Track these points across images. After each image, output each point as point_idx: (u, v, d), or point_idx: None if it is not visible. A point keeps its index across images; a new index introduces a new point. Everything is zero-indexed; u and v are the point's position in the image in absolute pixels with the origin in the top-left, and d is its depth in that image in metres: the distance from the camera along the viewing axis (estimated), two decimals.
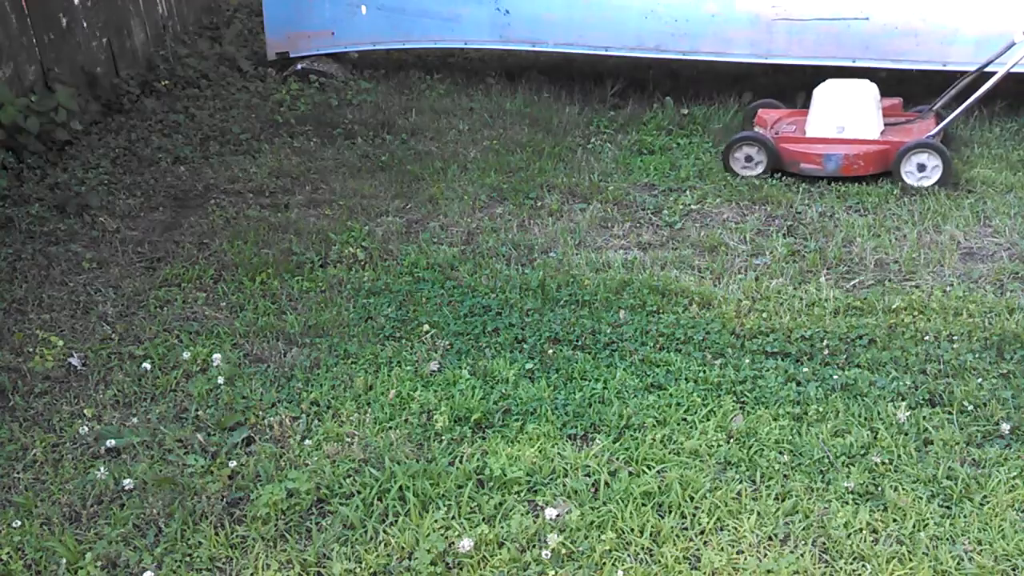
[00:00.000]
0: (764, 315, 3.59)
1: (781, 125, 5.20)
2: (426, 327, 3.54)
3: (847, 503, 2.66)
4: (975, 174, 4.81)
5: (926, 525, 2.58)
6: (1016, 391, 3.11)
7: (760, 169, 4.93)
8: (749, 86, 6.14)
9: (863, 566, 2.45)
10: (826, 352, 3.36)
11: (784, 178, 4.88)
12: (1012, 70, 4.77)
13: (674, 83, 6.36)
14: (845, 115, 4.88)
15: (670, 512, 2.64)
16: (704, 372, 3.25)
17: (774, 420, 3.00)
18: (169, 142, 5.48)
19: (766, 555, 2.49)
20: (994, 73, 4.77)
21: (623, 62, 6.28)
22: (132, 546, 2.56)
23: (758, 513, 2.62)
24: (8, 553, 2.53)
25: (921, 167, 4.70)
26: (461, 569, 2.46)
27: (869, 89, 4.93)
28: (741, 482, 2.74)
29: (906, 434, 2.93)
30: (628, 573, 2.44)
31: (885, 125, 5.01)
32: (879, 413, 3.02)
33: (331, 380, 3.25)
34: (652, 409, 3.06)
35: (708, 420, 3.00)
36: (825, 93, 4.95)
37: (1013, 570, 2.44)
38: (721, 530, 2.59)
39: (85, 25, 5.82)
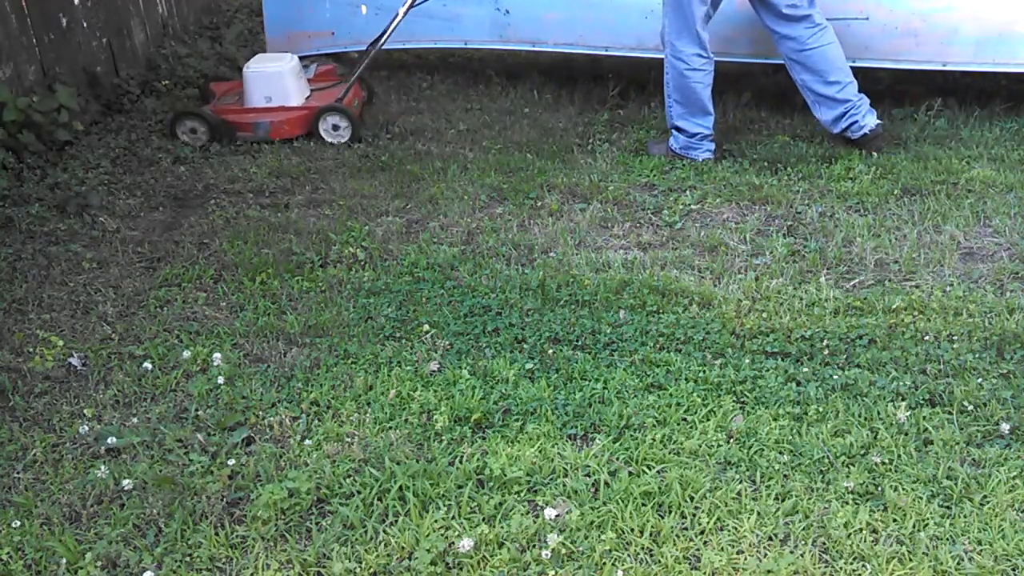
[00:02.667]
0: (764, 315, 3.59)
1: (227, 97, 5.81)
2: (426, 327, 3.54)
3: (847, 503, 2.66)
4: (975, 174, 4.81)
5: (926, 525, 2.58)
6: (1016, 391, 3.11)
7: (203, 140, 5.51)
8: (749, 86, 6.14)
9: (863, 566, 2.45)
10: (826, 352, 3.36)
11: (784, 178, 4.88)
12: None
13: None
14: (269, 87, 5.54)
15: (670, 512, 2.64)
16: (704, 372, 3.25)
17: (774, 420, 3.00)
18: (169, 142, 5.48)
19: (766, 555, 2.50)
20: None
21: (623, 62, 6.28)
22: (132, 546, 2.56)
23: (758, 513, 2.63)
24: (8, 553, 2.53)
25: (335, 127, 5.50)
26: (461, 569, 2.46)
27: (289, 62, 5.63)
28: (741, 482, 2.74)
29: (906, 434, 2.93)
30: (628, 573, 2.44)
31: (314, 91, 5.77)
32: (879, 413, 3.02)
33: (331, 380, 3.25)
34: (652, 409, 3.06)
35: (708, 420, 3.00)
36: (252, 70, 5.58)
37: (1013, 570, 2.44)
38: (721, 530, 2.59)
39: (85, 25, 5.82)
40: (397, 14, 5.70)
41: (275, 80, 5.53)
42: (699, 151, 5.17)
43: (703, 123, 5.12)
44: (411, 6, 5.67)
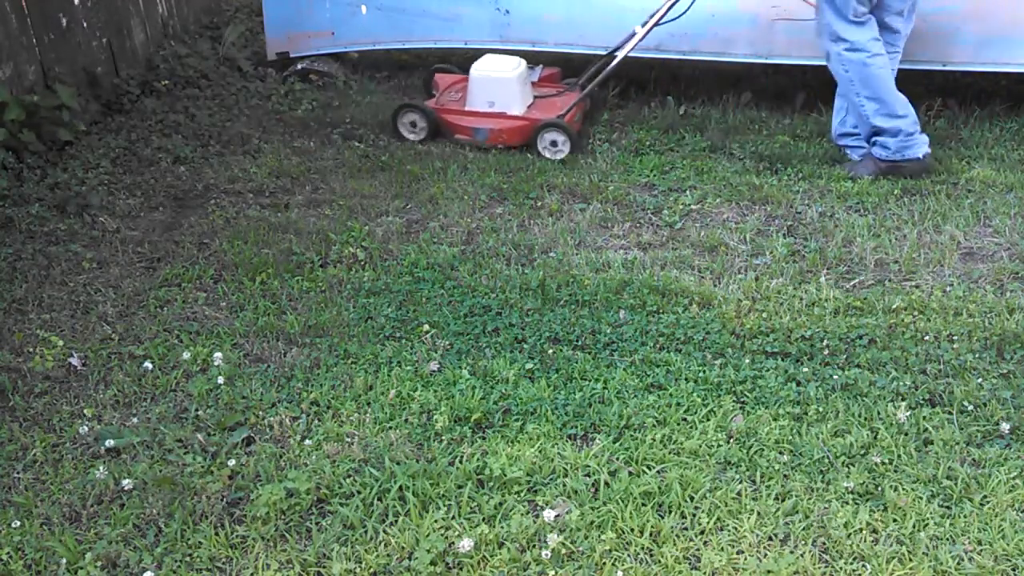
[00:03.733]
0: (764, 315, 3.59)
1: (450, 92, 5.66)
2: (426, 327, 3.54)
3: (847, 503, 2.66)
4: (975, 174, 4.81)
5: (926, 525, 2.58)
6: (1016, 391, 3.11)
7: (423, 135, 5.41)
8: (749, 86, 6.14)
9: (863, 566, 2.45)
10: (826, 352, 3.36)
11: (784, 178, 4.88)
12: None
13: (674, 83, 6.36)
14: (493, 92, 5.33)
15: (670, 512, 2.64)
16: (704, 372, 3.25)
17: (774, 420, 3.00)
18: (169, 142, 5.48)
19: (766, 555, 2.50)
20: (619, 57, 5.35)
21: (623, 62, 6.28)
22: (132, 546, 2.56)
23: (758, 513, 2.63)
24: (8, 553, 2.54)
25: (554, 143, 5.22)
26: (461, 569, 2.46)
27: (518, 66, 5.38)
28: (741, 482, 2.74)
29: (906, 434, 2.93)
30: (628, 573, 2.44)
31: (537, 98, 5.54)
32: (879, 413, 3.02)
33: (331, 380, 3.25)
34: (652, 409, 3.06)
35: (708, 420, 3.01)
36: (478, 70, 5.37)
37: (1013, 570, 2.44)
38: (721, 530, 2.59)
39: (85, 25, 5.82)
40: (635, 32, 5.30)
41: (501, 86, 5.32)
42: (916, 147, 4.72)
43: (905, 111, 4.69)
44: (655, 24, 5.25)
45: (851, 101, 4.83)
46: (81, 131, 5.35)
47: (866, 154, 4.90)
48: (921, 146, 4.76)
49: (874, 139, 4.82)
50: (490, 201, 4.76)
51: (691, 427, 2.98)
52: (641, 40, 5.28)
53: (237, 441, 2.95)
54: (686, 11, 5.26)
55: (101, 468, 2.81)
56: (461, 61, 6.11)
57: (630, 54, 5.95)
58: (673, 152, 5.33)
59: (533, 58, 6.07)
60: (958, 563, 2.45)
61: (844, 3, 4.65)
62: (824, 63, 5.20)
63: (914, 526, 2.57)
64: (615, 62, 5.35)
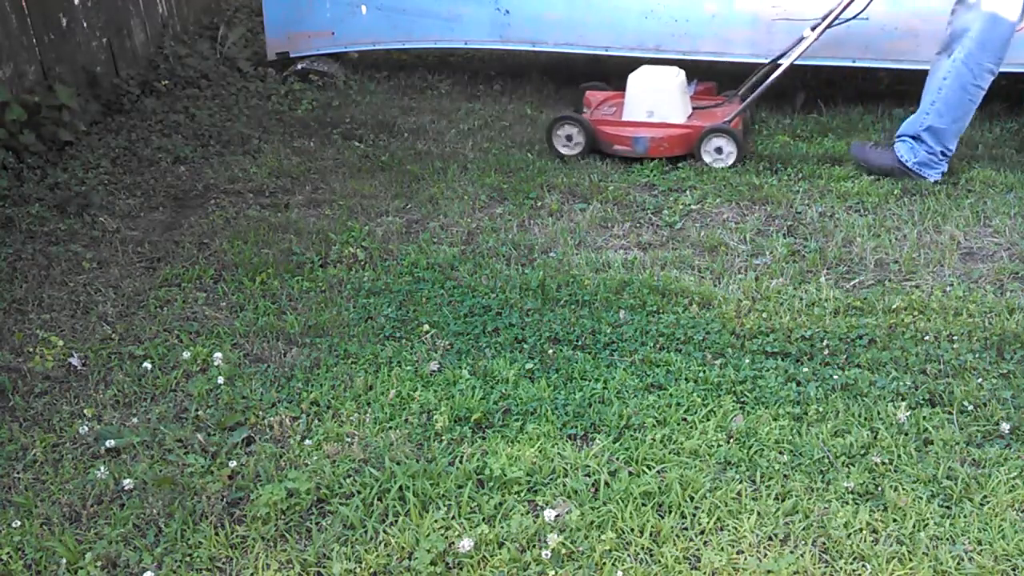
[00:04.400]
0: (764, 315, 3.59)
1: (603, 107, 5.51)
2: (426, 327, 3.54)
3: (847, 503, 2.66)
4: (975, 174, 4.81)
5: (926, 525, 2.58)
6: (1016, 391, 3.11)
7: (580, 149, 5.23)
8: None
9: (863, 566, 2.45)
10: (826, 352, 3.36)
11: (784, 178, 4.88)
12: (800, 62, 5.16)
13: None
14: (653, 100, 5.17)
15: (670, 512, 2.64)
16: (704, 372, 3.25)
17: (774, 420, 3.00)
18: (169, 142, 5.48)
19: (766, 555, 2.50)
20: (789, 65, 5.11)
21: (623, 62, 6.28)
22: (132, 546, 2.56)
23: (758, 513, 2.63)
24: (8, 553, 2.53)
25: (719, 150, 5.03)
26: (461, 569, 2.46)
27: (677, 76, 5.22)
28: (741, 482, 2.74)
29: (906, 434, 2.93)
30: (628, 573, 2.44)
31: (695, 109, 5.35)
32: (879, 413, 3.02)
33: (331, 380, 3.25)
34: (652, 409, 3.06)
35: (708, 420, 3.00)
36: (637, 80, 5.23)
37: (1013, 570, 2.44)
38: (721, 530, 2.59)
39: (85, 25, 5.82)
40: (803, 37, 5.08)
41: (661, 94, 5.16)
42: (935, 171, 4.78)
43: (951, 144, 4.75)
44: (828, 25, 5.02)
45: (927, 99, 4.76)
46: (81, 131, 5.36)
47: (890, 146, 4.91)
48: (940, 173, 4.81)
49: (911, 138, 4.80)
50: (490, 201, 4.76)
51: (691, 427, 2.98)
52: (811, 45, 5.01)
53: (237, 441, 2.95)
54: (862, 11, 5.03)
55: (101, 468, 2.81)
56: (607, 77, 5.86)
57: (628, 54, 5.95)
58: None
59: (533, 58, 6.08)
60: (958, 563, 2.45)
61: (1005, 45, 4.56)
62: (823, 63, 5.22)
63: (914, 526, 2.57)
64: (779, 71, 5.09)
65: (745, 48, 5.66)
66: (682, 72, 5.28)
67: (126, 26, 6.36)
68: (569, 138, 5.24)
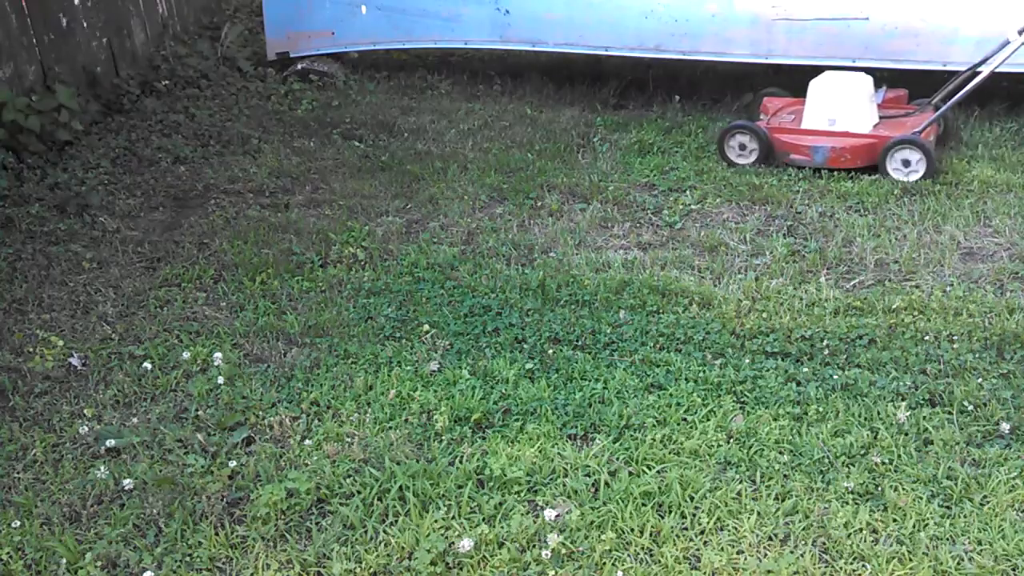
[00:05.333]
0: (764, 315, 3.59)
1: (781, 115, 5.24)
2: (426, 327, 3.54)
3: (847, 503, 2.66)
4: (975, 174, 4.81)
5: (926, 525, 2.58)
6: (1016, 391, 3.11)
7: (754, 158, 5.01)
8: (749, 86, 6.13)
9: (863, 566, 2.45)
10: (826, 352, 3.36)
11: (784, 178, 4.88)
12: (1001, 68, 4.82)
13: (674, 83, 6.36)
14: (836, 108, 4.90)
15: (670, 512, 2.64)
16: (704, 372, 3.25)
17: (774, 420, 3.00)
18: (169, 142, 5.48)
19: (766, 555, 2.49)
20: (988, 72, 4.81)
21: (623, 62, 6.28)
22: (132, 546, 2.56)
23: (758, 513, 2.63)
24: (8, 553, 2.53)
25: (906, 163, 4.74)
26: (461, 569, 2.46)
27: (863, 82, 4.94)
28: (741, 482, 2.74)
29: (906, 434, 2.93)
30: (628, 573, 2.44)
31: (882, 118, 5.02)
32: (879, 413, 3.02)
33: (331, 380, 3.25)
34: (652, 409, 3.06)
35: (708, 420, 3.00)
36: (820, 85, 4.99)
37: (1013, 570, 2.44)
38: (721, 530, 2.59)
39: (85, 25, 5.82)
40: (1008, 41, 4.77)
41: (845, 101, 4.87)
42: None
43: None
44: None
45: None
46: (80, 131, 5.35)
47: None
48: None
49: None
50: (490, 201, 4.76)
51: (691, 427, 2.98)
52: (1017, 49, 4.68)
53: (237, 441, 2.95)
54: None
55: (101, 468, 2.81)
56: (787, 83, 5.63)
57: (628, 55, 5.94)
58: (673, 152, 5.33)
59: (533, 58, 6.08)
60: (958, 563, 2.45)
61: None
62: (821, 63, 5.21)
63: (914, 526, 2.57)
64: (980, 78, 4.78)
65: (745, 48, 5.65)
66: (870, 78, 5.00)
67: (126, 26, 6.36)
68: (742, 147, 5.05)
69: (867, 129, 4.91)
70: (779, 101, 5.37)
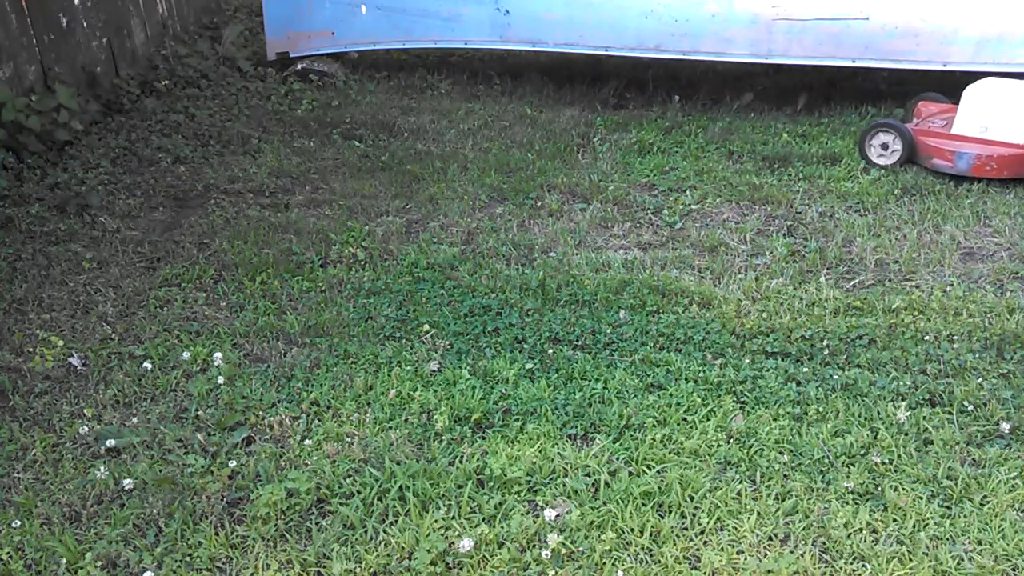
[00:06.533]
0: (764, 315, 3.59)
1: (933, 119, 5.09)
2: (426, 327, 3.54)
3: (847, 503, 2.66)
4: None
5: (926, 525, 2.58)
6: (1016, 391, 3.11)
7: (895, 159, 4.90)
8: (749, 86, 6.14)
9: (863, 566, 2.45)
10: (826, 352, 3.36)
11: (784, 178, 4.88)
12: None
13: (674, 83, 6.36)
14: (990, 115, 4.73)
15: (670, 512, 2.64)
16: (704, 372, 3.25)
17: (774, 420, 3.00)
18: (169, 142, 5.48)
19: (766, 555, 2.49)
20: None
21: (623, 62, 6.28)
22: (132, 546, 2.56)
23: (758, 513, 2.63)
24: (8, 553, 2.53)
25: None
26: (461, 569, 2.46)
27: (1022, 90, 4.75)
28: (741, 482, 2.74)
29: (906, 434, 2.93)
30: (628, 573, 2.44)
31: None
32: (879, 413, 3.02)
33: (331, 380, 3.25)
34: (652, 409, 3.06)
35: (708, 420, 3.00)
36: (975, 91, 4.84)
37: (1013, 570, 2.44)
38: (721, 530, 2.59)
39: (85, 25, 5.82)
40: None
41: (1004, 108, 4.70)
42: None
43: None
44: None
45: None
46: (80, 131, 5.35)
47: None
48: None
49: None
50: (490, 201, 4.76)
51: (691, 427, 2.98)
52: None
53: (237, 441, 2.95)
54: None
55: (101, 468, 2.81)
56: (946, 89, 5.42)
57: (628, 55, 5.94)
58: (673, 152, 5.33)
59: (533, 58, 6.08)
60: (958, 563, 2.45)
61: None
62: (821, 63, 5.21)
63: (914, 526, 2.57)
64: None
65: (745, 48, 5.66)
66: None
67: (126, 26, 6.36)
68: (885, 146, 4.94)
69: (1022, 139, 4.70)
70: (936, 106, 5.21)
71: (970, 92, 4.81)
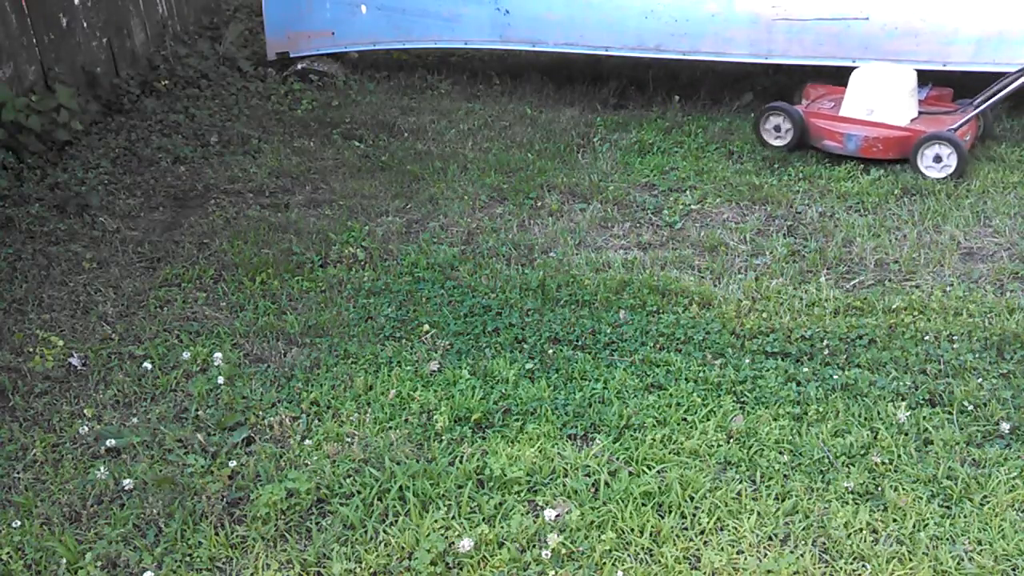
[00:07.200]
0: (764, 315, 3.59)
1: (822, 101, 5.29)
2: (426, 327, 3.54)
3: (847, 503, 2.66)
4: (975, 174, 4.81)
5: (926, 525, 2.58)
6: (1016, 391, 3.11)
7: (788, 140, 5.10)
8: (749, 86, 6.14)
9: (863, 566, 2.45)
10: (826, 352, 3.36)
11: (784, 178, 4.88)
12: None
13: (674, 83, 6.36)
14: (876, 98, 4.95)
15: (670, 512, 2.64)
16: (704, 372, 3.25)
17: (774, 420, 3.00)
18: (169, 142, 5.48)
19: (766, 555, 2.50)
20: None
21: (623, 62, 6.28)
22: (132, 546, 2.56)
23: (758, 513, 2.63)
24: (8, 553, 2.53)
25: (937, 158, 4.77)
26: (461, 569, 2.46)
27: (905, 75, 4.97)
28: (741, 482, 2.74)
29: (906, 434, 2.93)
30: (628, 573, 2.44)
31: (921, 113, 5.06)
32: (879, 413, 3.02)
33: (331, 380, 3.25)
34: (652, 409, 3.06)
35: (708, 420, 3.00)
36: (861, 76, 5.04)
37: (1013, 570, 2.44)
38: (721, 530, 2.59)
39: (85, 25, 5.82)
40: None
41: (886, 92, 4.92)
42: None
43: None
44: None
45: None
46: (80, 131, 5.35)
47: None
48: None
49: None
50: (490, 201, 4.76)
51: (691, 427, 2.98)
52: None
53: (237, 441, 2.95)
54: None
55: (101, 468, 2.81)
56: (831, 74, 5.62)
57: (628, 55, 5.93)
58: (673, 152, 5.33)
59: (533, 58, 6.08)
60: (958, 563, 2.45)
61: None
62: (821, 63, 5.20)
63: (914, 526, 2.57)
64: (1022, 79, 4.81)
65: (745, 48, 5.66)
66: (913, 73, 5.05)
67: (126, 26, 6.36)
68: (777, 128, 5.14)
69: (903, 122, 4.93)
70: (823, 88, 5.44)
71: (857, 76, 5.05)
